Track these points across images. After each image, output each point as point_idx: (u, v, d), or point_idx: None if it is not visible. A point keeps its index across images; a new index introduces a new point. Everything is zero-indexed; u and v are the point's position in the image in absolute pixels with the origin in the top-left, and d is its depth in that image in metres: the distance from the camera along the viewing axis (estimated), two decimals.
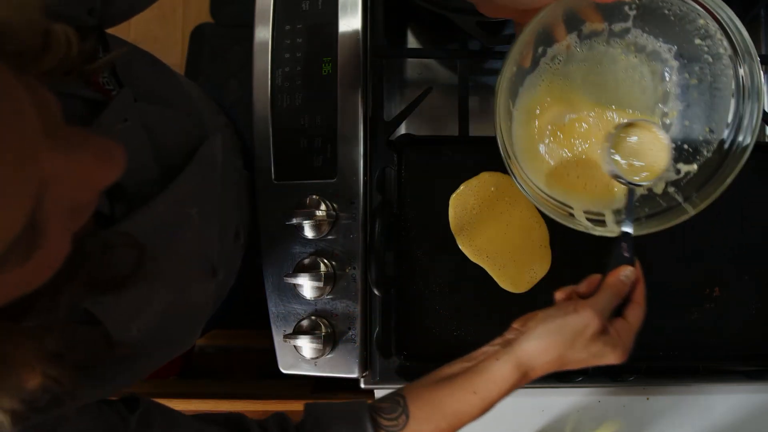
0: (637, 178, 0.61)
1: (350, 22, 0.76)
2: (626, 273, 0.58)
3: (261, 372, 1.21)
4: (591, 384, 0.77)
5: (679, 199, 0.63)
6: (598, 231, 0.61)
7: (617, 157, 0.62)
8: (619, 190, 0.65)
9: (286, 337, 0.73)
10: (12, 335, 0.33)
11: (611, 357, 0.56)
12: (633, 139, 0.62)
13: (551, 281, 0.77)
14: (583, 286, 0.60)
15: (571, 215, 0.63)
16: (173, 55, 1.63)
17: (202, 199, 0.56)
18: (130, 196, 0.48)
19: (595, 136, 0.65)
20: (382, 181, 0.76)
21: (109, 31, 0.53)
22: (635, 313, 0.58)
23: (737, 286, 0.77)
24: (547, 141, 0.66)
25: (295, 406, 0.64)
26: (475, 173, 0.78)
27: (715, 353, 0.77)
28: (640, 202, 0.64)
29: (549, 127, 0.66)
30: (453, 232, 0.77)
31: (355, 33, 0.76)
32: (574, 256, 0.77)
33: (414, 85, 0.92)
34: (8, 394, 0.33)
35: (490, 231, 0.77)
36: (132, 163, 0.45)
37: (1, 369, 0.32)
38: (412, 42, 0.92)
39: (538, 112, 0.66)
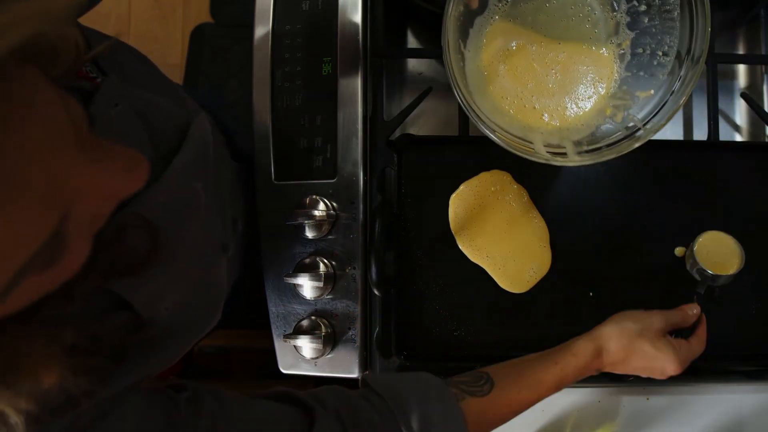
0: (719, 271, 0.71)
1: (350, 22, 0.76)
2: (693, 309, 0.69)
3: (261, 372, 1.21)
4: (591, 384, 0.77)
5: (639, 124, 0.64)
6: (558, 161, 0.63)
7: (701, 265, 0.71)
8: (577, 119, 0.68)
9: (286, 337, 0.73)
10: (25, 334, 0.33)
11: (670, 365, 0.64)
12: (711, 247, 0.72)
13: (551, 281, 0.77)
14: (688, 318, 0.69)
15: (532, 149, 0.65)
16: (173, 55, 1.62)
17: (203, 175, 0.56)
18: None
19: (550, 67, 0.69)
20: (382, 181, 0.76)
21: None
22: (696, 341, 0.68)
23: (737, 286, 0.77)
24: (503, 77, 0.68)
25: None
26: (475, 173, 0.78)
27: (715, 353, 0.77)
28: (600, 133, 0.66)
29: (503, 64, 0.68)
30: (453, 232, 0.77)
31: (355, 33, 0.76)
32: (574, 256, 0.77)
33: (414, 85, 0.92)
34: (23, 394, 0.32)
35: (490, 231, 0.77)
36: (130, 145, 0.45)
37: (16, 369, 0.32)
38: (412, 42, 0.92)
39: (490, 50, 0.68)
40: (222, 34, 1.63)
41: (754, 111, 0.79)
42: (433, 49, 0.94)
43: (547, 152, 0.63)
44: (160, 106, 0.54)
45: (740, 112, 0.90)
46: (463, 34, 0.67)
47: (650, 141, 0.79)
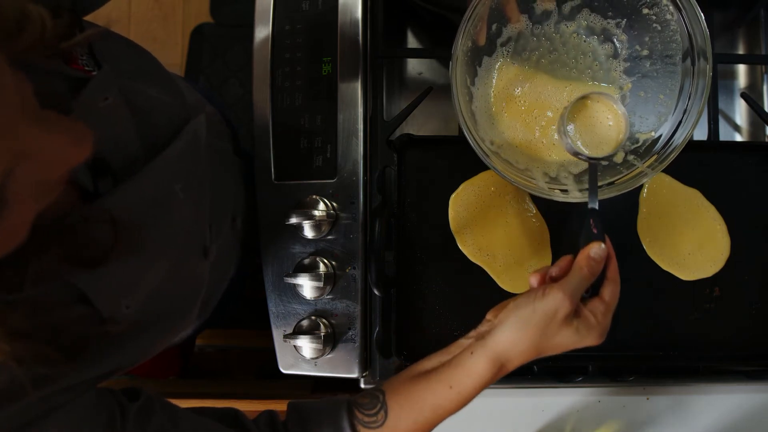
0: (595, 153, 0.61)
1: (350, 22, 0.76)
2: (596, 250, 0.55)
3: (261, 372, 1.21)
4: (591, 384, 0.77)
5: (639, 165, 0.64)
6: (560, 197, 0.62)
7: (573, 134, 0.62)
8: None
9: (286, 337, 0.73)
10: None
11: (588, 339, 0.54)
12: (588, 113, 0.64)
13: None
14: (554, 269, 0.57)
15: (535, 183, 0.65)
16: (173, 55, 1.62)
17: (187, 175, 0.56)
18: (116, 172, 0.48)
19: (555, 107, 0.69)
20: (382, 181, 0.76)
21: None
22: (610, 291, 0.56)
23: (737, 286, 0.77)
24: (510, 115, 0.69)
25: None
26: (475, 173, 0.78)
27: (715, 353, 0.77)
28: (601, 172, 0.64)
29: (510, 103, 0.69)
30: (453, 232, 0.77)
31: (355, 33, 0.76)
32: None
33: (414, 85, 0.92)
34: None
35: (489, 231, 0.77)
36: (115, 139, 0.45)
37: None
38: (412, 42, 0.92)
39: (498, 88, 0.69)
40: (222, 34, 1.63)
41: (754, 111, 0.79)
42: (433, 49, 0.94)
43: (549, 188, 0.63)
44: (156, 101, 0.54)
45: (740, 112, 0.90)
46: (471, 70, 0.68)
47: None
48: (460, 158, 0.78)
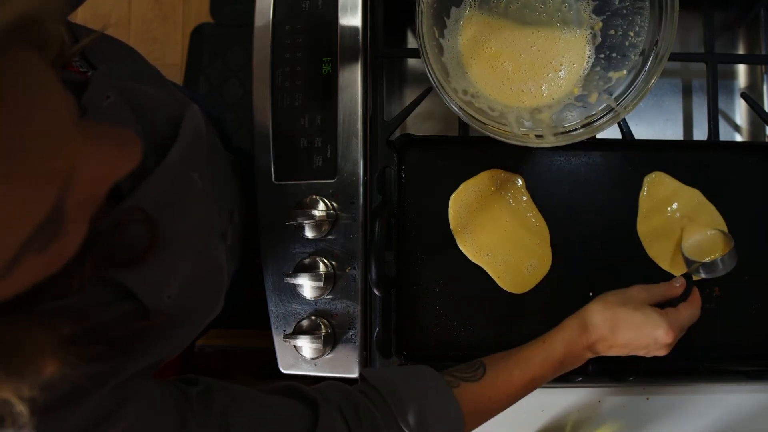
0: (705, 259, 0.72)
1: (350, 22, 0.76)
2: (677, 282, 0.68)
3: (261, 372, 1.21)
4: (591, 384, 0.77)
5: (612, 104, 0.65)
6: (534, 142, 0.63)
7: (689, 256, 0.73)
8: (548, 97, 0.70)
9: (286, 337, 0.73)
10: (25, 323, 0.33)
11: (660, 330, 0.62)
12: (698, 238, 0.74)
13: (551, 281, 0.77)
14: (673, 290, 0.68)
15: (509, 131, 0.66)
16: (173, 55, 1.63)
17: (198, 164, 0.56)
18: (132, 172, 0.48)
19: (516, 53, 0.71)
20: (382, 181, 0.76)
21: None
22: (686, 306, 0.66)
23: (737, 286, 0.77)
24: (480, 63, 0.70)
25: None
26: (475, 173, 0.78)
27: (715, 353, 0.77)
28: (575, 115, 0.67)
29: (480, 51, 0.70)
30: (453, 232, 0.77)
31: (355, 33, 0.76)
32: (575, 256, 0.77)
33: (414, 85, 0.92)
34: (25, 383, 0.32)
35: (490, 231, 0.77)
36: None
37: (16, 357, 0.32)
38: (412, 42, 0.92)
39: (466, 38, 0.70)
40: (222, 34, 1.63)
41: (754, 111, 0.79)
42: None
43: (523, 133, 0.64)
44: (153, 98, 0.54)
45: (740, 112, 0.90)
46: (440, 22, 0.68)
47: (651, 141, 0.79)
48: (460, 158, 0.78)
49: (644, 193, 0.77)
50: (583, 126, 0.65)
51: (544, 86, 0.70)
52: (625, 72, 0.66)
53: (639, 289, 0.66)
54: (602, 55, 0.69)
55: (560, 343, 0.63)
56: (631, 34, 0.67)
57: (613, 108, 0.64)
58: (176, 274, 0.50)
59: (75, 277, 0.38)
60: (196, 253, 0.54)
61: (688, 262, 0.74)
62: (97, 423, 0.43)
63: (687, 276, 0.69)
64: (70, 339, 0.36)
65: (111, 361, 0.41)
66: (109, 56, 0.54)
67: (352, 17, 0.76)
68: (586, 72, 0.70)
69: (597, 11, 0.70)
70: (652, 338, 0.62)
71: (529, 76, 0.70)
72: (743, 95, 0.81)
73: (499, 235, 0.77)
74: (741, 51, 0.91)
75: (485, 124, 0.64)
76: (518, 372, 0.63)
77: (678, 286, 0.67)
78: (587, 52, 0.70)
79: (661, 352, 0.64)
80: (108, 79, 0.48)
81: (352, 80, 0.75)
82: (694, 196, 0.77)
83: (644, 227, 0.77)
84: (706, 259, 0.72)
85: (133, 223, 0.45)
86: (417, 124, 0.88)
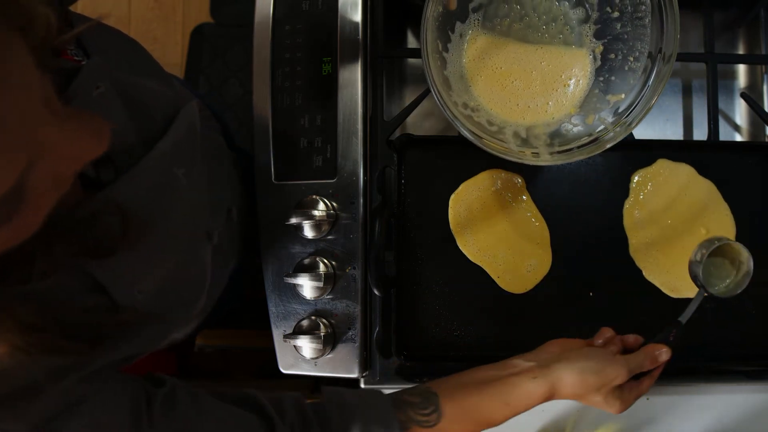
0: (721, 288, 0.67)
1: (350, 22, 0.76)
2: (663, 354, 0.63)
3: (261, 372, 1.21)
4: None
5: (609, 127, 0.65)
6: (530, 160, 0.64)
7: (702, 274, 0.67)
8: (547, 116, 0.70)
9: (286, 337, 0.73)
10: None
11: (613, 408, 0.62)
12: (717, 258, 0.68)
13: (551, 281, 0.77)
14: (629, 339, 0.66)
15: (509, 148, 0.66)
16: (173, 55, 1.62)
17: (187, 161, 0.56)
18: (115, 162, 0.48)
19: (527, 70, 0.71)
20: (382, 181, 0.76)
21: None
22: (647, 384, 0.64)
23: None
24: (483, 80, 0.71)
25: None
26: (475, 173, 0.78)
27: (715, 353, 0.77)
28: (572, 135, 0.67)
29: (483, 67, 0.71)
30: (453, 232, 0.77)
31: (355, 33, 0.76)
32: (574, 256, 0.77)
33: (414, 85, 0.92)
34: None
35: (490, 231, 0.77)
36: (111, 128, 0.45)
37: None
38: (412, 42, 0.92)
39: (471, 55, 0.71)
40: (222, 34, 1.63)
41: (754, 111, 0.79)
42: None
43: (520, 150, 0.65)
44: (148, 90, 0.54)
45: (740, 112, 0.90)
46: (444, 36, 0.68)
47: (651, 141, 0.79)
48: (460, 158, 0.78)
49: (647, 189, 0.77)
50: (579, 147, 0.65)
51: (550, 102, 0.70)
52: (623, 96, 0.67)
53: (619, 371, 0.61)
54: (601, 78, 0.70)
55: (524, 407, 0.61)
56: (631, 59, 0.67)
57: (610, 131, 0.65)
58: (151, 271, 0.50)
59: (41, 261, 0.39)
60: (177, 252, 0.54)
61: (698, 282, 0.67)
62: (52, 417, 0.43)
63: (674, 339, 0.64)
64: (32, 326, 0.36)
65: (74, 355, 0.41)
66: (106, 47, 0.53)
67: (352, 17, 0.76)
68: (586, 94, 0.71)
69: (598, 35, 0.70)
70: (607, 381, 0.60)
71: (539, 92, 0.71)
72: (743, 95, 0.81)
73: (499, 235, 0.77)
74: (741, 51, 0.91)
75: (482, 138, 0.64)
76: (473, 428, 0.61)
77: (659, 362, 0.63)
78: (590, 69, 0.70)
79: (614, 407, 0.62)
80: (101, 69, 0.48)
81: (352, 80, 0.75)
82: (709, 189, 0.76)
83: (629, 221, 0.77)
84: (728, 282, 0.67)
85: (107, 214, 0.45)
86: (417, 124, 0.88)
